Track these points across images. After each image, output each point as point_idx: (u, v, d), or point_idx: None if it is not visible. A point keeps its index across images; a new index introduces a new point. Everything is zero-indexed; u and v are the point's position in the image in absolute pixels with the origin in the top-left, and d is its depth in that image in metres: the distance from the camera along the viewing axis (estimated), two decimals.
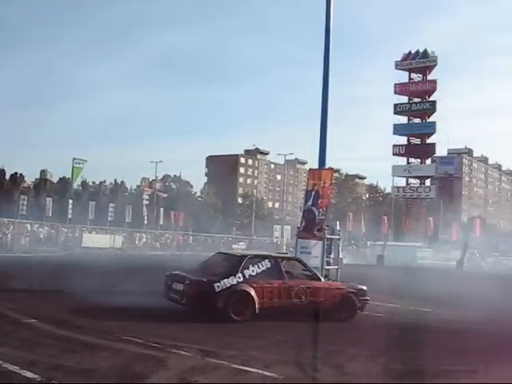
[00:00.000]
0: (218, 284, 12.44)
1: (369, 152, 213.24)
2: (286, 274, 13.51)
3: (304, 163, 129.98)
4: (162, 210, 72.69)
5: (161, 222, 70.13)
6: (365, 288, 14.71)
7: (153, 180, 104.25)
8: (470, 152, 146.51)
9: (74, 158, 63.00)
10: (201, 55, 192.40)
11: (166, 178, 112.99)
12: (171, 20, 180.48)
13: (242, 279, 12.77)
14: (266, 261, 13.50)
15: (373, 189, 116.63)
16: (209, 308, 12.39)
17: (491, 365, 9.14)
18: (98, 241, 50.15)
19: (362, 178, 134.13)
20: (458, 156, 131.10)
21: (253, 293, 12.69)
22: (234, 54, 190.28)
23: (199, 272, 13.55)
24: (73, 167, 63.00)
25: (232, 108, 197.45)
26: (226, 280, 12.55)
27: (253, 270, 13.05)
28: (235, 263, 13.16)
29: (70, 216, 54.39)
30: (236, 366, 8.43)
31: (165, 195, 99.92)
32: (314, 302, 13.55)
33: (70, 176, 67.28)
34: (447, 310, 16.60)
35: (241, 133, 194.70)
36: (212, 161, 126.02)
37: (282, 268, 13.59)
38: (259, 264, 13.28)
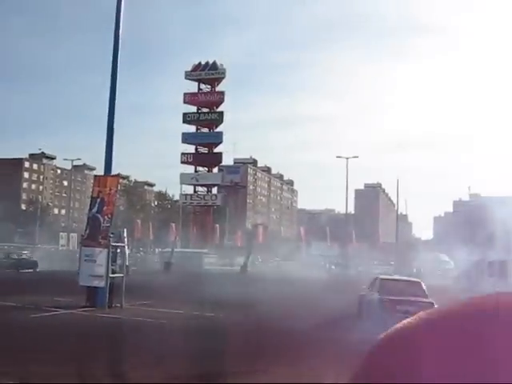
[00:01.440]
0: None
1: (159, 160, 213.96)
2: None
3: (93, 169, 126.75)
4: None
5: None
6: None
7: None
8: (254, 162, 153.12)
9: None
10: None
11: None
12: None
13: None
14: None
15: (161, 196, 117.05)
16: None
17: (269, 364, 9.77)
18: None
19: (151, 185, 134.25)
20: (243, 165, 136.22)
21: None
22: (24, 54, 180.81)
23: (397, 295, 15.37)
24: None
25: (17, 110, 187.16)
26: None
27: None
28: (421, 285, 16.50)
29: None
30: None
31: None
32: None
33: None
34: (228, 314, 17.23)
35: (26, 136, 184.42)
36: None
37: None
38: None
